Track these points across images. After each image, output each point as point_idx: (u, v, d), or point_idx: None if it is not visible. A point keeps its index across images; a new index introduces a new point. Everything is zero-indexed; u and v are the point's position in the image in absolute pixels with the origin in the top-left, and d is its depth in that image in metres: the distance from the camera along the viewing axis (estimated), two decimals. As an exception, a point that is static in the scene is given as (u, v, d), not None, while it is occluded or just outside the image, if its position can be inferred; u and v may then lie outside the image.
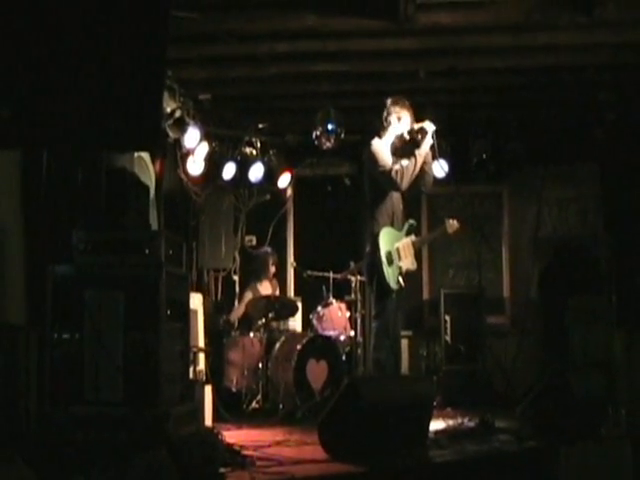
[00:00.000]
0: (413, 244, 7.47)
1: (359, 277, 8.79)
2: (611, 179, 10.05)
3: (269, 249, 10.10)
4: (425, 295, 10.72)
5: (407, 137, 7.40)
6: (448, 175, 8.75)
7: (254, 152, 9.68)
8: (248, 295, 9.61)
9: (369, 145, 7.28)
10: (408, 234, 7.44)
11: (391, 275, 7.11)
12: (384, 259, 7.08)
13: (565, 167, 10.49)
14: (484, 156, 10.15)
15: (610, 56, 8.05)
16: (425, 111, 7.74)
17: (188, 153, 8.76)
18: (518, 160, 10.26)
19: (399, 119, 7.32)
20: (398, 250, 7.25)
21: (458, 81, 8.83)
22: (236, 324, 9.35)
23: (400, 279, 7.20)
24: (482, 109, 9.99)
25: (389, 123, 7.33)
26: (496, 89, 9.20)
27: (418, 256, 7.78)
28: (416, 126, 7.29)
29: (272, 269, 9.86)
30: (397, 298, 7.22)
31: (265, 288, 9.75)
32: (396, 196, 7.37)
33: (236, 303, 9.85)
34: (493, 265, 10.56)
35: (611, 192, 10.04)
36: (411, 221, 7.52)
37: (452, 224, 7.94)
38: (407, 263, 7.32)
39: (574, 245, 9.94)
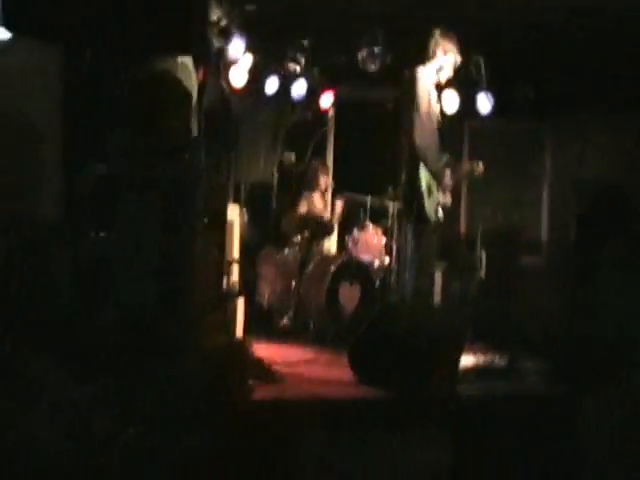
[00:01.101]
0: (450, 177, 7.37)
1: (397, 204, 8.67)
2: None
3: (322, 161, 10.04)
4: (462, 229, 10.59)
5: (451, 73, 7.31)
6: (493, 110, 8.60)
7: (298, 69, 9.49)
8: (304, 205, 9.49)
9: (414, 71, 7.15)
10: (444, 168, 7.34)
11: (430, 206, 7.01)
12: (424, 190, 6.98)
13: (611, 113, 10.27)
14: (529, 93, 9.96)
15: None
16: (471, 41, 7.57)
17: (231, 63, 8.60)
18: (563, 100, 10.07)
19: (445, 52, 7.23)
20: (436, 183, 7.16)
21: (506, 14, 8.59)
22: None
23: (439, 210, 7.10)
24: (529, 45, 9.73)
25: (435, 55, 7.23)
26: (545, 27, 8.94)
27: (457, 191, 7.66)
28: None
29: (322, 181, 9.71)
30: (434, 230, 7.13)
31: (317, 200, 9.65)
32: (435, 127, 7.25)
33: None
34: (533, 204, 10.40)
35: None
36: (447, 155, 7.42)
37: (478, 167, 7.86)
38: (443, 197, 7.23)
39: (615, 190, 9.77)
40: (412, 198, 7.04)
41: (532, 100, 9.91)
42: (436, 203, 7.10)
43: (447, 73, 7.35)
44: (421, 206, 6.99)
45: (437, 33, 7.27)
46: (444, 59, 7.24)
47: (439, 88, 7.53)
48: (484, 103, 9.08)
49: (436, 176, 7.09)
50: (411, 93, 7.13)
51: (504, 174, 9.89)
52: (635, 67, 9.34)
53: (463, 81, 8.66)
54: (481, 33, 9.02)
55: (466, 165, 8.04)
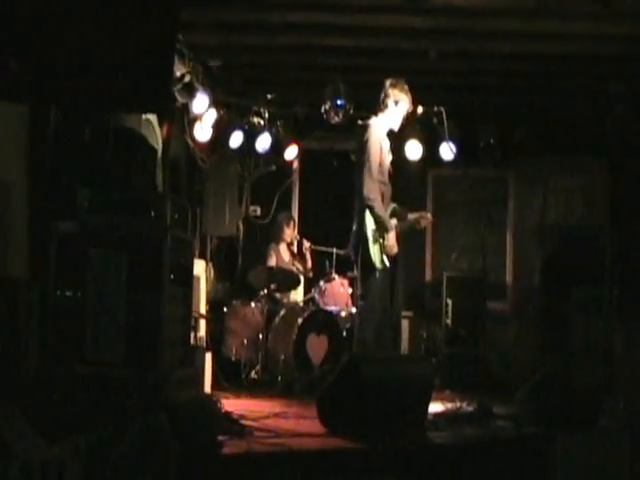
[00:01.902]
0: (395, 227, 7.40)
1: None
2: (618, 171, 9.98)
3: (287, 214, 10.12)
4: (427, 277, 10.65)
5: (403, 121, 7.42)
6: (455, 157, 8.70)
7: (262, 122, 9.56)
8: (271, 257, 9.61)
9: (367, 124, 7.25)
10: (391, 217, 7.38)
11: (376, 253, 7.07)
12: (370, 236, 7.04)
13: (572, 157, 10.43)
14: (491, 140, 10.10)
15: (622, 47, 7.97)
16: (434, 91, 7.66)
17: (196, 119, 8.66)
18: (525, 147, 10.22)
19: (396, 102, 7.32)
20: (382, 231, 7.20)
21: (468, 64, 8.75)
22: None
23: (385, 259, 7.13)
24: (492, 93, 9.90)
25: (386, 105, 7.32)
26: (507, 74, 9.13)
27: (420, 238, 7.70)
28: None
29: (287, 234, 9.80)
30: (383, 278, 7.15)
31: (284, 252, 9.74)
32: (387, 177, 7.34)
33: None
34: (497, 250, 10.49)
35: (618, 184, 9.98)
36: (394, 205, 7.46)
37: (427, 217, 7.90)
38: (391, 245, 7.26)
39: (579, 235, 9.87)
40: (358, 245, 7.14)
41: (495, 147, 10.05)
42: (381, 251, 7.14)
43: (399, 122, 7.42)
44: (366, 252, 7.05)
45: (387, 83, 7.37)
46: (395, 109, 7.31)
47: (398, 138, 7.60)
48: (447, 152, 9.18)
49: (380, 225, 7.13)
50: (362, 143, 7.23)
51: (468, 220, 10.00)
52: (596, 113, 9.54)
53: (426, 131, 8.78)
54: (443, 84, 9.17)
55: (413, 215, 7.99)
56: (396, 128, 7.47)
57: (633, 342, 7.37)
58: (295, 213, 10.75)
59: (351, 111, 8.94)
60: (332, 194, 10.66)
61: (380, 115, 7.34)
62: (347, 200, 10.20)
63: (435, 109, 7.44)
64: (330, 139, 10.43)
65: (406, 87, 7.34)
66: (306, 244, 9.63)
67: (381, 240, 7.12)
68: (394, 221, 7.39)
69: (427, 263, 10.60)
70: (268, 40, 8.21)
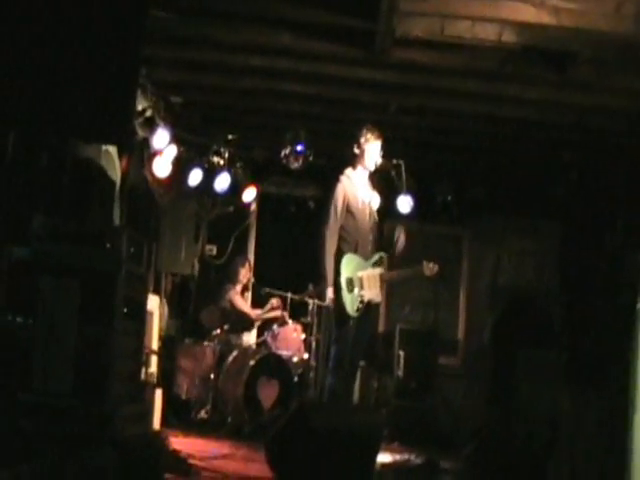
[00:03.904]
0: (381, 276, 7.31)
1: (317, 300, 8.68)
2: (570, 237, 10.08)
3: (243, 255, 10.12)
4: (380, 327, 10.60)
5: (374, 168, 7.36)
6: (412, 212, 8.68)
7: (221, 162, 9.50)
8: (224, 298, 9.54)
9: (341, 174, 7.21)
10: (376, 265, 7.29)
11: (349, 302, 6.97)
12: (343, 285, 6.97)
13: (526, 220, 10.54)
14: (448, 198, 10.14)
15: (577, 116, 8.07)
16: (393, 145, 7.66)
17: (155, 154, 8.57)
18: (481, 206, 10.29)
19: (359, 145, 7.23)
20: (361, 279, 7.09)
21: (427, 120, 8.79)
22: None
23: (359, 307, 7.04)
24: (449, 151, 9.97)
25: (354, 154, 7.25)
26: (464, 133, 9.19)
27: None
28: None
29: (242, 275, 9.76)
30: (357, 326, 7.06)
31: (238, 294, 9.72)
32: (365, 226, 7.26)
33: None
34: (450, 306, 10.58)
35: (569, 250, 10.07)
36: (381, 253, 7.37)
37: (431, 267, 7.64)
38: (371, 294, 7.15)
39: (529, 297, 9.96)
40: (334, 292, 7.05)
41: (451, 205, 10.10)
42: (359, 299, 7.05)
43: (372, 162, 7.32)
44: (340, 301, 6.98)
45: (360, 131, 7.32)
46: (362, 151, 7.26)
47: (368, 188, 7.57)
48: (404, 205, 9.18)
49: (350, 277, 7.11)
50: (336, 193, 7.18)
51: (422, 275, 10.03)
52: (550, 177, 9.64)
53: (383, 183, 8.77)
54: (402, 137, 9.20)
55: (410, 268, 7.86)
56: (371, 168, 7.36)
57: (578, 406, 7.36)
58: (251, 255, 10.73)
59: (310, 158, 8.94)
60: (289, 239, 10.66)
61: (357, 165, 7.30)
62: (303, 245, 10.23)
63: (394, 162, 7.39)
64: (289, 184, 10.46)
65: (377, 133, 7.30)
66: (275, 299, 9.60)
67: (359, 288, 7.05)
68: (378, 270, 7.31)
69: (381, 314, 10.57)
70: (229, 81, 8.18)
